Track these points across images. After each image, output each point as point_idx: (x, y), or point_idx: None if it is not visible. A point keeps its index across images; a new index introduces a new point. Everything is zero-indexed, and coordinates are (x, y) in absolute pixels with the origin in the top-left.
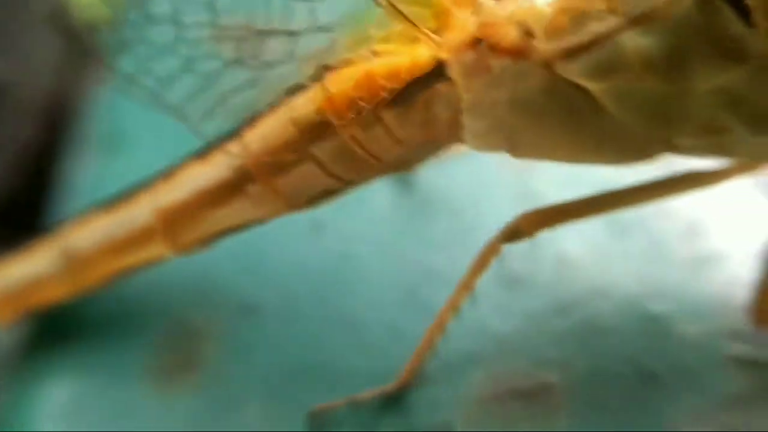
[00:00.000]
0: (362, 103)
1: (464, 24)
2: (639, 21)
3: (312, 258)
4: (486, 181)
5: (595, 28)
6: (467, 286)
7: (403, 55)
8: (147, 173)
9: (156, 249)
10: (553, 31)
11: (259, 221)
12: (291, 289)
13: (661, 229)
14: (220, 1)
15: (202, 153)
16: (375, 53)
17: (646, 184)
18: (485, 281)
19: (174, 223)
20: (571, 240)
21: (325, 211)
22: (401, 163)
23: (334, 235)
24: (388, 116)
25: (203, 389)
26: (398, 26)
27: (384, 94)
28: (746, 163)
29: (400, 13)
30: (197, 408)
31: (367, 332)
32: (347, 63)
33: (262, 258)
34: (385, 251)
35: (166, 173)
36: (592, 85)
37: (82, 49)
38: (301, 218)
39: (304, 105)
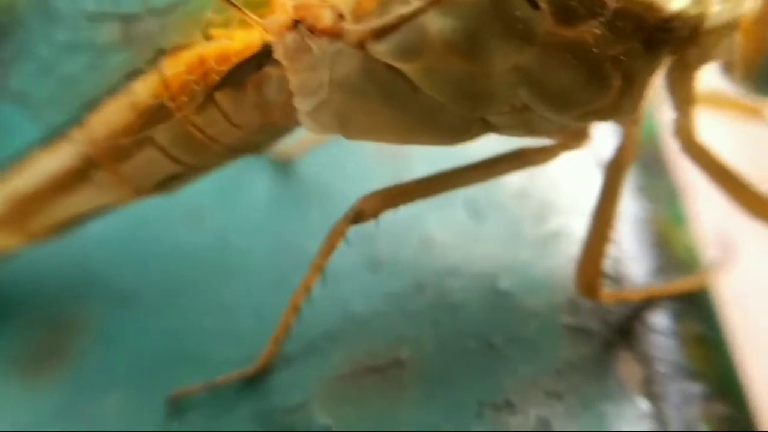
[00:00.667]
0: (195, 86)
1: (284, 7)
2: (437, 2)
3: (190, 246)
4: (362, 168)
5: (399, 10)
6: (318, 267)
7: (236, 40)
8: None
9: (7, 239)
10: (361, 13)
11: (110, 207)
12: (167, 277)
13: (516, 210)
14: None
15: (46, 140)
16: (209, 37)
17: (477, 164)
18: (350, 264)
19: (23, 211)
20: (435, 222)
21: (205, 198)
22: (246, 147)
23: (212, 223)
24: (222, 99)
25: (69, 379)
26: (237, 9)
27: (215, 77)
28: (566, 142)
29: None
30: (60, 398)
31: (237, 318)
32: (183, 47)
33: (140, 246)
34: (262, 238)
35: (12, 162)
36: (402, 66)
37: None
38: (181, 206)
39: (143, 89)
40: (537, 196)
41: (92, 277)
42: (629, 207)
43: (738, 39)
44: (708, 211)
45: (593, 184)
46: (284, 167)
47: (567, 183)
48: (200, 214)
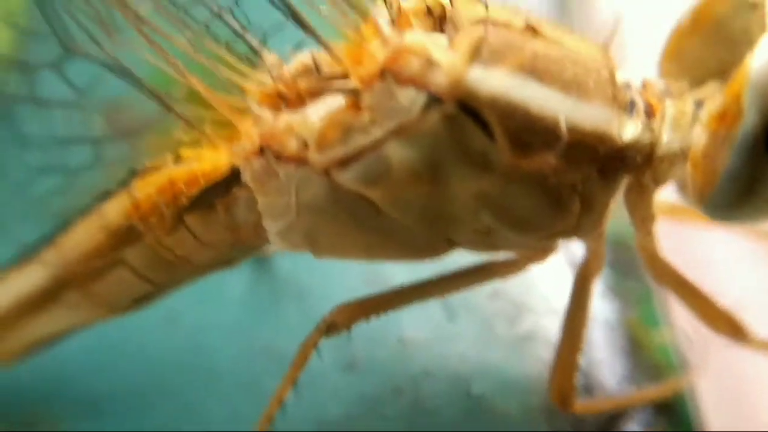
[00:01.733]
0: (164, 209)
1: (250, 134)
2: (397, 134)
3: (164, 350)
4: (337, 265)
5: (361, 140)
6: (291, 380)
7: (205, 161)
8: None
9: None
10: (324, 142)
11: (83, 326)
12: (140, 382)
13: (490, 310)
14: (21, 111)
15: (16, 261)
16: (179, 158)
17: (447, 276)
18: (325, 365)
19: None
20: (410, 321)
21: (181, 298)
22: (217, 264)
23: (187, 325)
24: (191, 221)
25: None
26: (202, 132)
27: (184, 199)
28: (533, 255)
29: (191, 123)
30: None
31: (211, 423)
32: (153, 168)
33: (114, 351)
34: (236, 339)
35: None
36: (367, 192)
37: None
38: (157, 308)
39: (113, 211)
40: (510, 296)
41: (62, 379)
42: (601, 309)
43: (688, 169)
44: (681, 312)
45: (566, 283)
46: (260, 263)
47: (540, 282)
48: (174, 313)
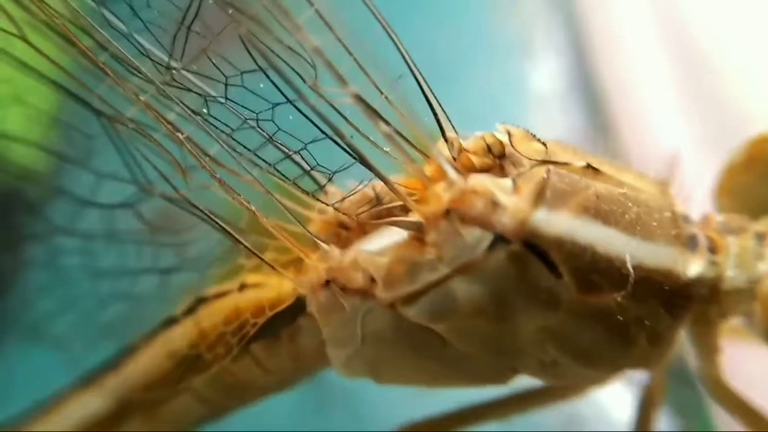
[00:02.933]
0: (231, 338)
1: (316, 267)
2: (463, 270)
3: None
4: None
5: (428, 277)
6: None
7: (269, 288)
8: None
9: None
10: (391, 279)
11: None
12: None
13: (544, 420)
14: (96, 244)
15: (82, 384)
16: (244, 286)
17: (506, 399)
18: None
19: None
20: None
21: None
22: (278, 386)
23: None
24: (257, 349)
25: None
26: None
27: (250, 330)
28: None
29: (259, 257)
30: None
31: None
32: (219, 296)
33: None
34: None
35: (48, 405)
36: (433, 326)
37: None
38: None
39: (179, 339)
40: (564, 406)
41: None
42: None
43: (756, 307)
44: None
45: (623, 397)
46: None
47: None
48: (224, 419)
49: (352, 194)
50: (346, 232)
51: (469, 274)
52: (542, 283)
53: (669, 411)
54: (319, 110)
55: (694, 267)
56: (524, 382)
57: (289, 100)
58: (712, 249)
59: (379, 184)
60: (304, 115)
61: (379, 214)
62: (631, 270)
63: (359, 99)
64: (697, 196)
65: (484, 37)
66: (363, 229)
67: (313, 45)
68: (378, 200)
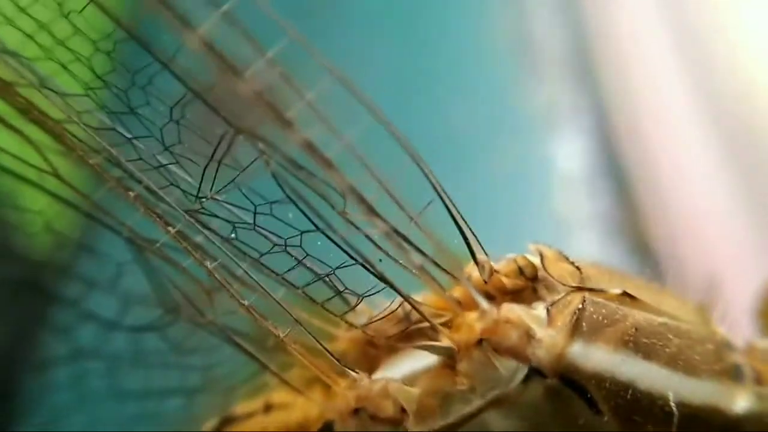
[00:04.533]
0: None
1: (345, 395)
2: (498, 404)
3: None
4: None
5: (460, 409)
6: None
7: (295, 410)
8: None
9: None
10: (424, 411)
11: None
12: None
13: None
14: (122, 368)
15: None
16: (270, 406)
17: None
18: None
19: None
20: None
21: None
22: None
23: None
24: None
25: None
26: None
27: None
28: None
29: (286, 381)
30: None
31: None
32: (244, 416)
33: None
34: None
35: None
36: None
37: None
38: None
39: None
40: None
41: None
42: None
43: None
44: None
45: None
46: None
47: None
48: None
49: (381, 317)
50: (375, 350)
51: (504, 407)
52: (581, 419)
53: None
54: (348, 237)
55: (741, 402)
56: None
57: (318, 228)
58: (759, 380)
59: (406, 303)
60: (333, 242)
61: (409, 335)
62: (674, 408)
63: (390, 233)
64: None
65: (509, 115)
66: (392, 350)
67: (347, 184)
68: (408, 320)
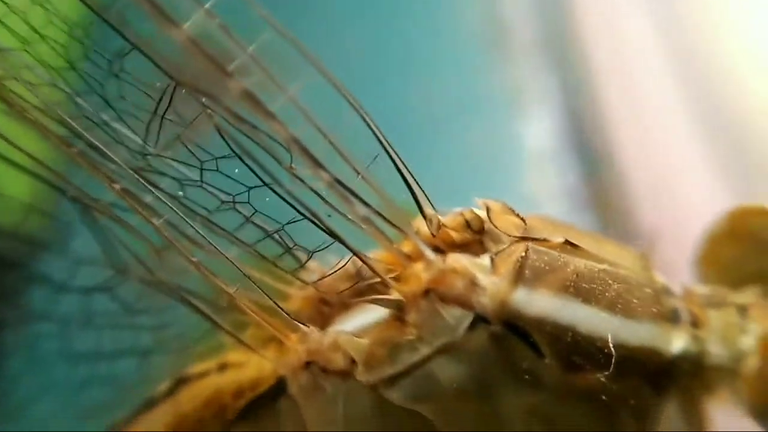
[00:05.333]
0: (211, 422)
1: (296, 349)
2: (444, 351)
3: None
4: None
5: (408, 357)
6: None
7: (249, 369)
8: None
9: None
10: (372, 361)
11: None
12: None
13: None
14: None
15: None
16: (224, 365)
17: None
18: None
19: None
20: None
21: None
22: None
23: None
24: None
25: None
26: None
27: (230, 412)
28: None
29: (237, 338)
30: None
31: None
32: (198, 376)
33: None
34: None
35: None
36: (415, 407)
37: None
38: None
39: (159, 422)
40: None
41: None
42: None
43: (740, 385)
44: None
45: None
46: None
47: None
48: None
49: (333, 272)
50: (328, 308)
51: (450, 354)
52: (524, 363)
53: None
54: (296, 192)
55: (677, 343)
56: None
57: (265, 183)
58: (695, 323)
59: (360, 261)
60: (281, 197)
61: (360, 291)
62: (612, 349)
63: (335, 184)
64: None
65: (480, 96)
66: (344, 306)
67: (289, 135)
68: (359, 276)
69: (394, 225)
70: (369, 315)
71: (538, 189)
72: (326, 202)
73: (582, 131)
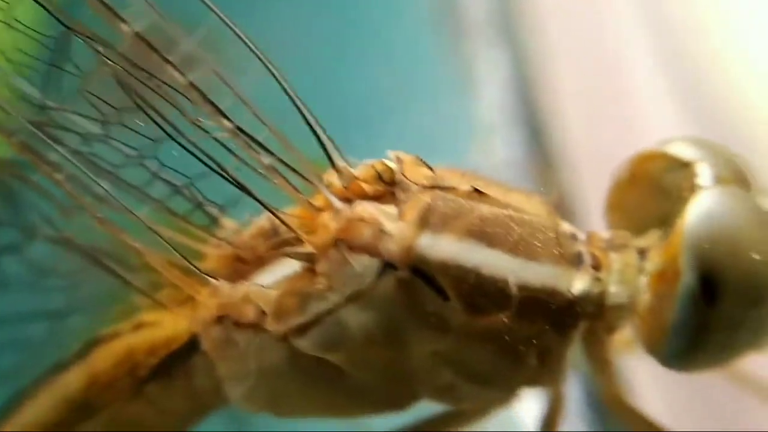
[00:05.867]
0: (124, 380)
1: (207, 303)
2: (353, 299)
3: None
4: None
5: (318, 307)
6: None
7: (163, 327)
8: None
9: None
10: (281, 310)
11: None
12: None
13: None
14: None
15: None
16: (138, 325)
17: (419, 424)
18: None
19: None
20: None
21: None
22: (176, 427)
23: None
24: (151, 390)
25: None
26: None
27: (143, 370)
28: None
29: (147, 295)
30: None
31: None
32: (111, 336)
33: None
34: None
35: None
36: (327, 356)
37: None
38: None
39: (71, 384)
40: None
41: None
42: None
43: (637, 322)
44: None
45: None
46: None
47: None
48: None
49: (247, 227)
50: (245, 265)
51: (359, 302)
52: (431, 307)
53: None
54: (202, 145)
55: (578, 284)
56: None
57: (170, 136)
58: (596, 266)
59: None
60: (188, 151)
61: (275, 246)
62: (514, 290)
63: (237, 132)
64: None
65: (427, 72)
66: (261, 262)
67: (187, 81)
68: (275, 232)
69: (302, 176)
70: (285, 269)
71: (484, 159)
72: (231, 152)
73: (529, 105)
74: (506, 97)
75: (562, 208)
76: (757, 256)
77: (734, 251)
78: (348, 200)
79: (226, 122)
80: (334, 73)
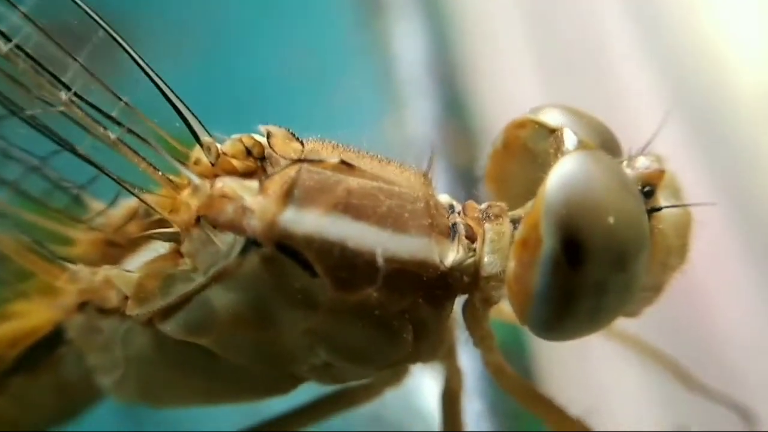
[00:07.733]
0: None
1: (66, 289)
2: (218, 278)
3: None
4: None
5: (181, 288)
6: None
7: (27, 317)
8: None
9: None
10: (143, 293)
11: None
12: None
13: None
14: None
15: None
16: (2, 317)
17: (304, 408)
18: None
19: None
20: None
21: None
22: (49, 423)
23: None
24: (15, 384)
25: None
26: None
27: (5, 363)
28: (386, 380)
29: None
30: None
31: None
32: None
33: None
34: None
35: None
36: (195, 339)
37: None
38: None
39: None
40: (390, 420)
41: None
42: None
43: (506, 291)
44: None
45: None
46: None
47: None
48: None
49: (112, 209)
50: (117, 250)
51: (224, 281)
52: (298, 283)
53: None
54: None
55: (450, 255)
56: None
57: (12, 112)
58: (471, 237)
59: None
60: (37, 129)
61: (146, 227)
62: (382, 263)
63: (72, 104)
64: None
65: (346, 40)
66: (133, 246)
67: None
68: (147, 213)
69: (150, 145)
70: (152, 253)
71: (394, 137)
72: (70, 117)
73: (442, 79)
74: (421, 70)
75: (479, 181)
76: (614, 220)
77: (593, 215)
78: (216, 177)
79: (63, 93)
80: (247, 48)
